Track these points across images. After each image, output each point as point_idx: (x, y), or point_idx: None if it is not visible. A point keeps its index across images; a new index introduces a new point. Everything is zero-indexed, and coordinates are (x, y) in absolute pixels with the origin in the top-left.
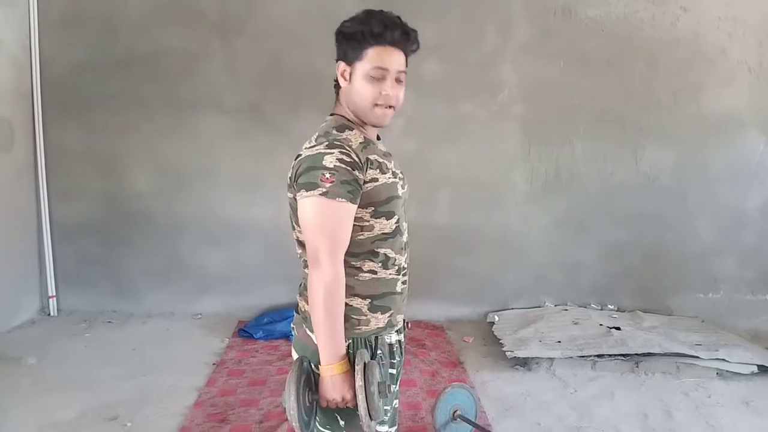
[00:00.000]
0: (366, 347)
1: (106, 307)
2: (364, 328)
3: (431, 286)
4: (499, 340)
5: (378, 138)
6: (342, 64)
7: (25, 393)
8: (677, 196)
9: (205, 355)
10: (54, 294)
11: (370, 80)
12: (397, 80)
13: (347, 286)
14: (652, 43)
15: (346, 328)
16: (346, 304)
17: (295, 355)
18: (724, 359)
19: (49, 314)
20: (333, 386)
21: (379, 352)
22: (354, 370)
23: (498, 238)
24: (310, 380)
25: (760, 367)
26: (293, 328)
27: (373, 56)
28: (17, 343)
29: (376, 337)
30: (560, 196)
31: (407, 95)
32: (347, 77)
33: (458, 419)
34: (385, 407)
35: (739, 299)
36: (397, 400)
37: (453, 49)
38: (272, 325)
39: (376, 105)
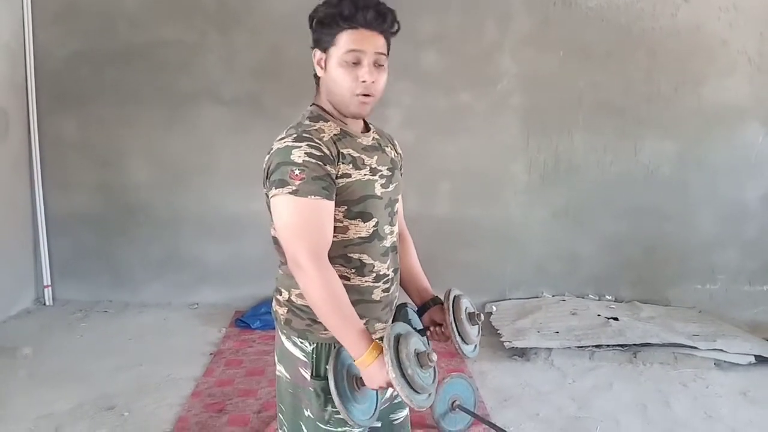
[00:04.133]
0: (329, 353)
1: (102, 297)
2: (330, 333)
3: (430, 277)
4: (497, 330)
5: (369, 129)
6: (317, 52)
7: (21, 384)
8: (677, 188)
9: (202, 345)
10: (49, 284)
11: (345, 66)
12: (376, 64)
13: None
14: (653, 34)
15: (312, 331)
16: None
17: (275, 356)
18: (722, 350)
19: (44, 304)
20: (372, 377)
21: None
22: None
23: (497, 229)
24: (350, 369)
25: (757, 357)
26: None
27: (346, 40)
28: (13, 334)
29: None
30: (559, 187)
31: (407, 86)
32: (323, 65)
33: (457, 409)
34: (426, 376)
35: (737, 290)
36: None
37: (453, 40)
38: (270, 315)
39: (355, 95)
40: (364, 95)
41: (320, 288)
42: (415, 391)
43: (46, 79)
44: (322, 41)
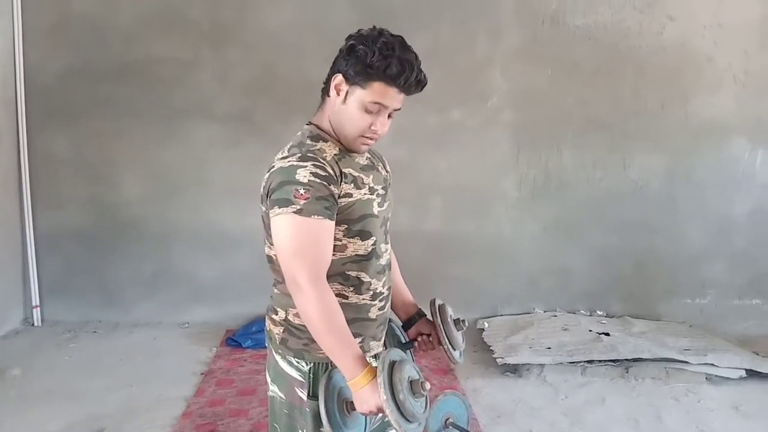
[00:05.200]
0: (326, 372)
1: (92, 317)
2: None
3: (421, 292)
4: (490, 346)
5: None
6: (340, 78)
7: (10, 405)
8: (666, 202)
9: (193, 365)
10: (38, 304)
11: (365, 111)
12: (389, 115)
13: None
14: (640, 51)
15: (308, 351)
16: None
17: (268, 376)
18: (713, 364)
19: (32, 324)
20: (363, 400)
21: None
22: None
23: (488, 244)
24: (340, 393)
25: (748, 371)
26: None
27: (377, 91)
28: (1, 354)
29: None
30: (549, 202)
31: None
32: (342, 94)
33: (450, 427)
34: (418, 405)
35: (727, 304)
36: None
37: (444, 57)
38: (261, 334)
39: (362, 136)
40: (370, 139)
41: (318, 308)
42: (405, 419)
43: (38, 96)
44: (353, 77)
